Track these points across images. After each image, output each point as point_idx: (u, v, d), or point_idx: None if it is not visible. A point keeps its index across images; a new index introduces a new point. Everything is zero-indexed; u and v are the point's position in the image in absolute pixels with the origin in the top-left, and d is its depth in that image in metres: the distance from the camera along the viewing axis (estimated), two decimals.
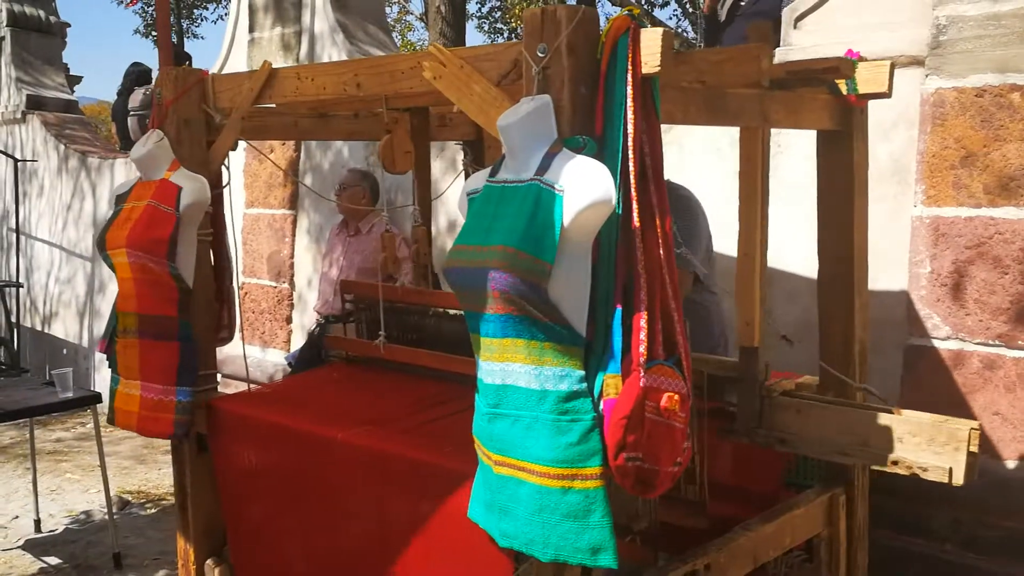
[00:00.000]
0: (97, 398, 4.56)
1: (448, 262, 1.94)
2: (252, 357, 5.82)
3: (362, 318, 3.35)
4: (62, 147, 8.19)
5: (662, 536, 2.19)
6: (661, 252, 1.83)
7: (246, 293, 6.16)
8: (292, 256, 5.92)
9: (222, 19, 19.21)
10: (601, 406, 1.78)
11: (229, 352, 3.41)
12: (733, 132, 2.77)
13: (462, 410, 2.34)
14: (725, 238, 2.97)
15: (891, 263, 3.31)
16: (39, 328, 8.45)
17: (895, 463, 2.22)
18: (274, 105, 2.92)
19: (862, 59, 2.50)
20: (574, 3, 5.70)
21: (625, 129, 1.80)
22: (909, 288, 3.30)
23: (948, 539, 3.22)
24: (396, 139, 2.85)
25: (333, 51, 5.72)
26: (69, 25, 9.61)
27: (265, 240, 6.07)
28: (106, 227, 2.84)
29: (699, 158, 3.86)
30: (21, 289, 8.34)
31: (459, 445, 2.13)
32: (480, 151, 3.77)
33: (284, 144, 5.81)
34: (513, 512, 1.84)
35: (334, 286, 4.48)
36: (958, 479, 2.15)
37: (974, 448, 2.15)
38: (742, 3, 5.09)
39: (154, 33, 17.80)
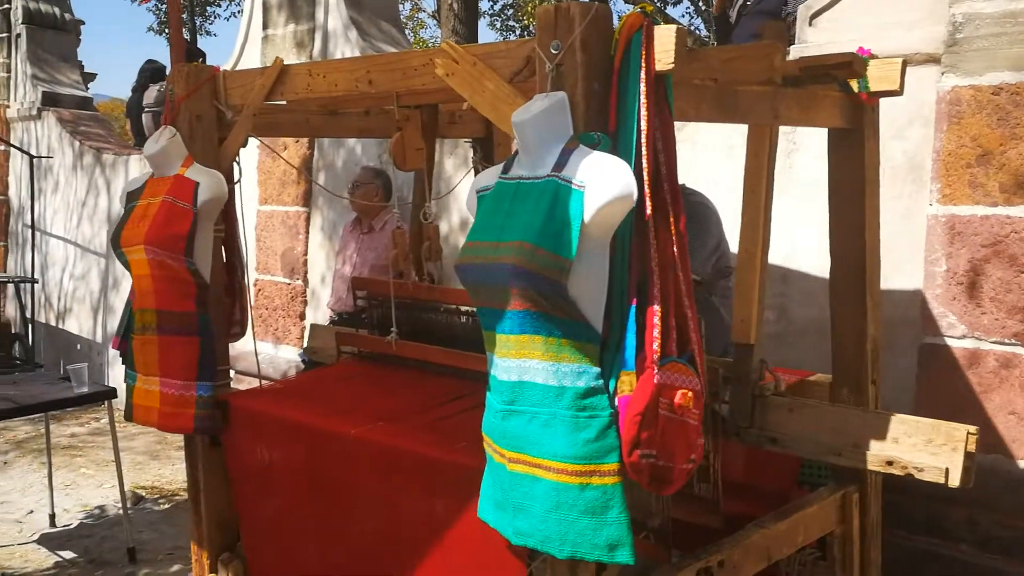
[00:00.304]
0: (112, 393, 4.58)
1: (461, 259, 1.92)
2: (265, 354, 5.84)
3: (374, 315, 3.35)
4: (77, 143, 8.22)
5: (675, 533, 2.19)
6: (675, 249, 1.83)
7: (260, 290, 6.18)
8: (306, 253, 5.93)
9: (235, 16, 19.26)
10: (616, 403, 1.78)
11: (242, 348, 3.42)
12: (746, 130, 2.76)
13: (474, 407, 2.34)
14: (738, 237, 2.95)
15: (906, 262, 3.29)
16: (54, 324, 8.49)
17: (890, 463, 2.20)
18: (285, 102, 2.92)
19: (874, 56, 2.48)
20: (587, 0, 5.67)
21: (639, 126, 1.79)
22: (924, 287, 3.28)
23: (964, 539, 3.20)
24: (407, 136, 2.85)
25: (347, 48, 5.72)
26: (84, 22, 9.69)
27: (279, 237, 6.08)
28: (120, 225, 2.84)
29: (712, 155, 3.84)
30: (36, 285, 8.39)
31: (471, 441, 2.13)
32: (490, 148, 3.77)
33: (298, 141, 5.82)
34: (528, 509, 1.84)
35: (347, 283, 4.48)
36: (955, 480, 2.12)
37: (972, 449, 2.12)
38: (748, 3, 5.07)
39: (167, 30, 17.85)
